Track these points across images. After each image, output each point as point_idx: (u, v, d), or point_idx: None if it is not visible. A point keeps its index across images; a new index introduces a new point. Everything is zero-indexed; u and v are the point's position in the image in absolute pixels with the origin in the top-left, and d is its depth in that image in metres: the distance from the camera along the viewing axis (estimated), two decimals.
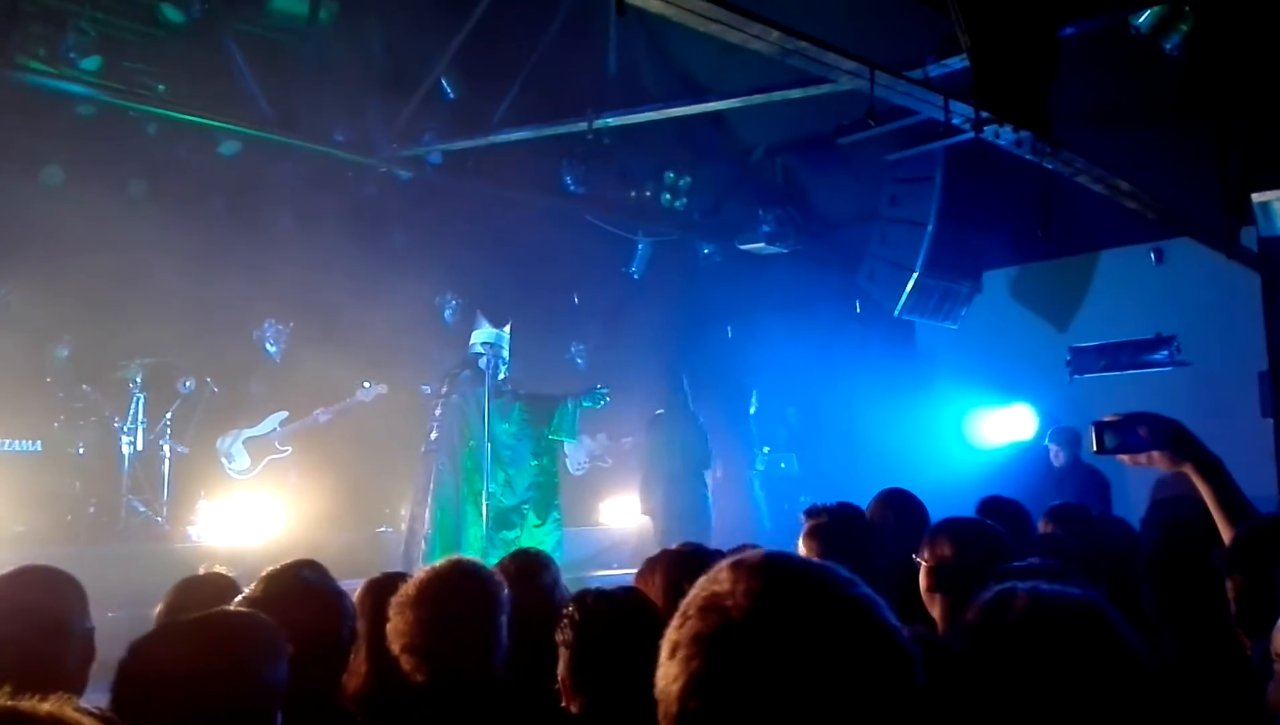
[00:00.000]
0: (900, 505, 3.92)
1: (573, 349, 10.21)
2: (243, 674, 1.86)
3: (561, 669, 2.26)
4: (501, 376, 7.39)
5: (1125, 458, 2.35)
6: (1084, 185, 6.85)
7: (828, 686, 0.89)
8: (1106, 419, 2.40)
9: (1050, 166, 5.86)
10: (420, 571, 2.57)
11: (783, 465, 10.83)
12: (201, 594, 2.91)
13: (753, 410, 10.12)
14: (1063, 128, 5.80)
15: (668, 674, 0.94)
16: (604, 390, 7.51)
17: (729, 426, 9.81)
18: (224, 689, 1.80)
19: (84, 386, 7.28)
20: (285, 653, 1.97)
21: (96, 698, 1.73)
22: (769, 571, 0.96)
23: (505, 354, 7.44)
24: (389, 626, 2.40)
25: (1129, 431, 2.32)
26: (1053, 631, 1.64)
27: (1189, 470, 2.29)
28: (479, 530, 6.96)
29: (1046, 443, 7.84)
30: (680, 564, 3.09)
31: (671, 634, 0.96)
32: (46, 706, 0.88)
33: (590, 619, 2.24)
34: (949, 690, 1.80)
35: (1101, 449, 2.36)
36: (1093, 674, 1.59)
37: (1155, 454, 2.31)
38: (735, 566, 0.97)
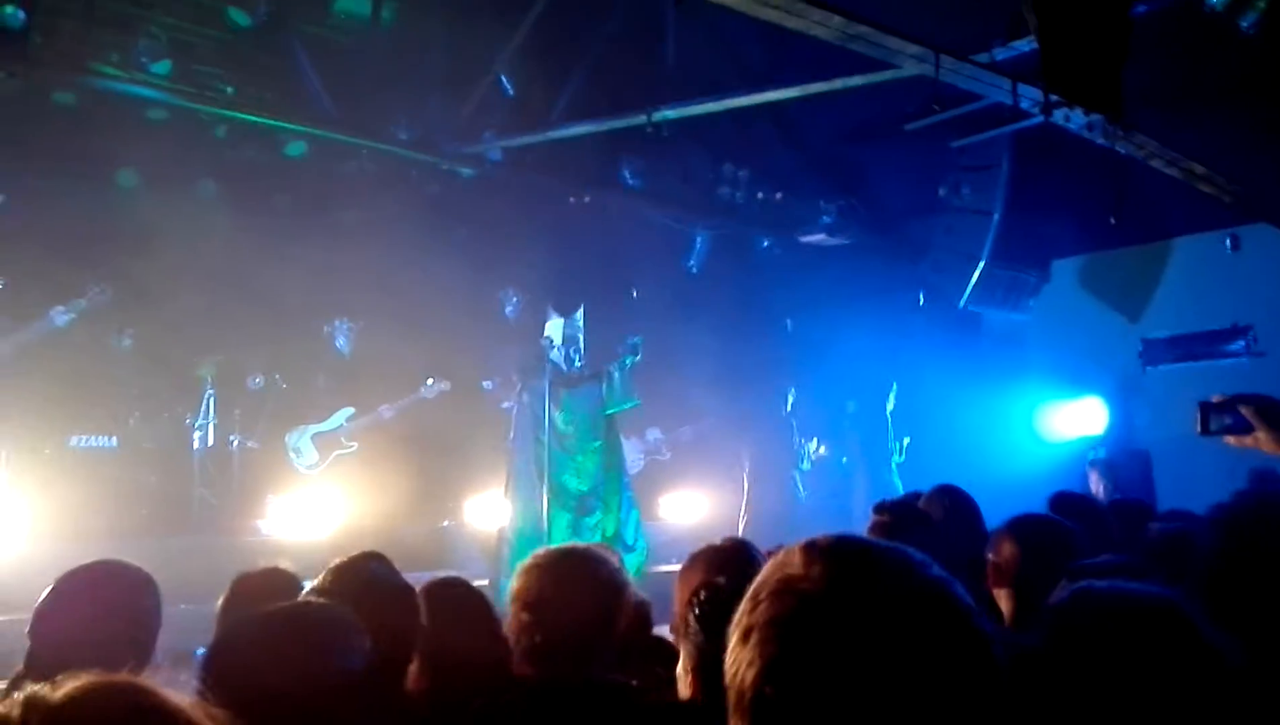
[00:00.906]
0: (950, 500, 3.85)
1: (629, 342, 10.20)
2: (324, 663, 1.88)
3: (686, 663, 2.23)
4: (578, 365, 7.34)
5: (1231, 439, 2.30)
6: (1157, 170, 6.65)
7: (908, 667, 0.87)
8: (1213, 399, 2.36)
9: (1122, 150, 5.69)
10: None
11: (844, 459, 10.71)
12: (260, 588, 2.95)
13: (788, 408, 10.03)
14: (1135, 110, 5.63)
15: (740, 659, 0.93)
16: (637, 340, 7.40)
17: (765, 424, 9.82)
18: (306, 677, 1.82)
19: (157, 383, 7.47)
20: (364, 645, 1.98)
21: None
22: (843, 553, 0.94)
23: (581, 344, 7.40)
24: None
25: (1234, 412, 2.27)
26: (1131, 629, 1.60)
27: None
28: (562, 522, 7.00)
29: (1087, 467, 7.61)
30: (721, 558, 3.09)
31: (743, 618, 0.95)
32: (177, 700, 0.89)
33: (720, 609, 2.21)
34: (1021, 685, 1.77)
35: (1206, 430, 2.33)
36: (1173, 675, 1.53)
37: (1260, 435, 2.25)
38: (808, 549, 0.96)
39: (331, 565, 2.42)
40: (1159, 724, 1.54)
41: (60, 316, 6.65)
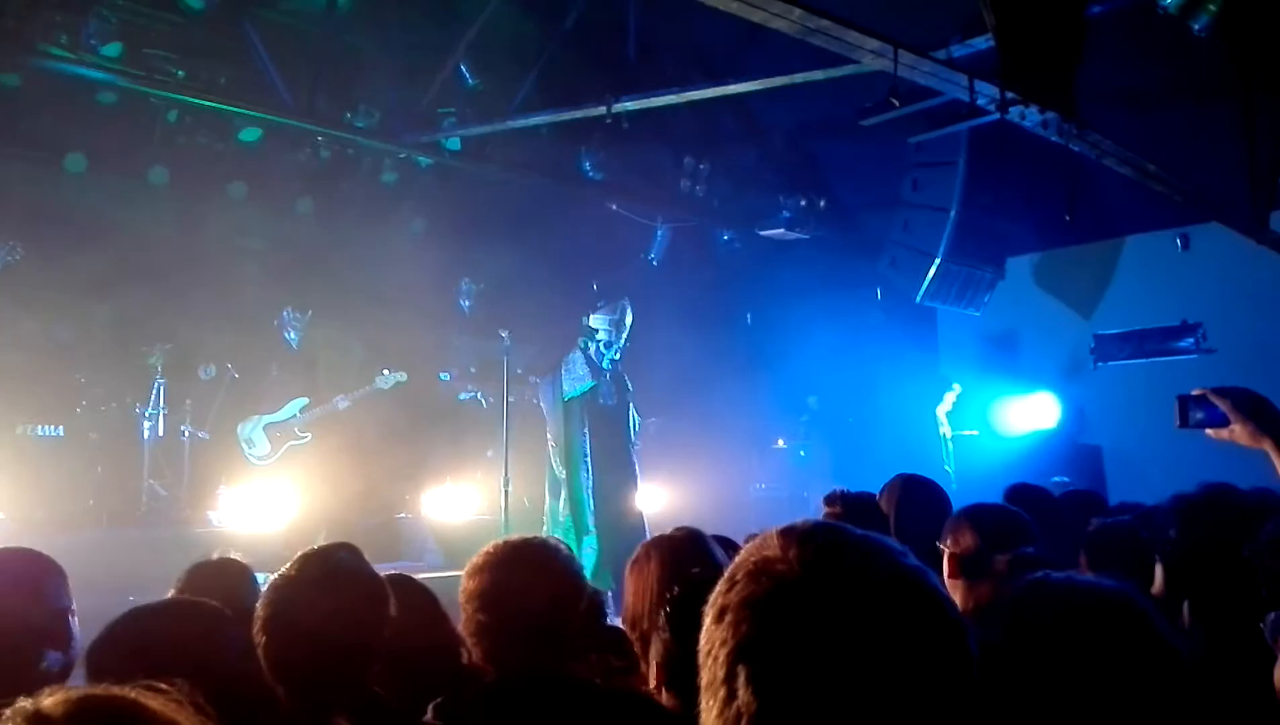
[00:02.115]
0: (917, 492, 3.88)
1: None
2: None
3: (658, 652, 2.22)
4: (609, 361, 7.18)
5: (1209, 432, 2.33)
6: (1110, 169, 6.75)
7: (881, 652, 0.87)
8: (1193, 393, 2.38)
9: (1076, 148, 5.77)
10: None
11: (802, 453, 10.79)
12: (213, 579, 2.92)
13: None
14: (1089, 109, 5.70)
15: (713, 638, 0.92)
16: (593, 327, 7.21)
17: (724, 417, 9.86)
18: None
19: (105, 372, 7.33)
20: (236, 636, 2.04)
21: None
22: (820, 538, 0.95)
23: (614, 338, 7.21)
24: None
25: (1212, 406, 2.30)
26: (1086, 622, 1.63)
27: (1268, 447, 2.25)
28: (585, 519, 6.92)
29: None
30: (676, 549, 3.10)
31: (718, 599, 0.94)
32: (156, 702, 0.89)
33: (692, 604, 2.18)
34: (981, 678, 1.78)
35: (1185, 423, 2.35)
36: (1128, 668, 1.54)
37: (1237, 428, 2.28)
38: (785, 533, 0.96)
39: (299, 553, 2.39)
40: (1113, 716, 1.57)
41: None
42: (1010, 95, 4.97)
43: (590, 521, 6.90)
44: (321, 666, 2.16)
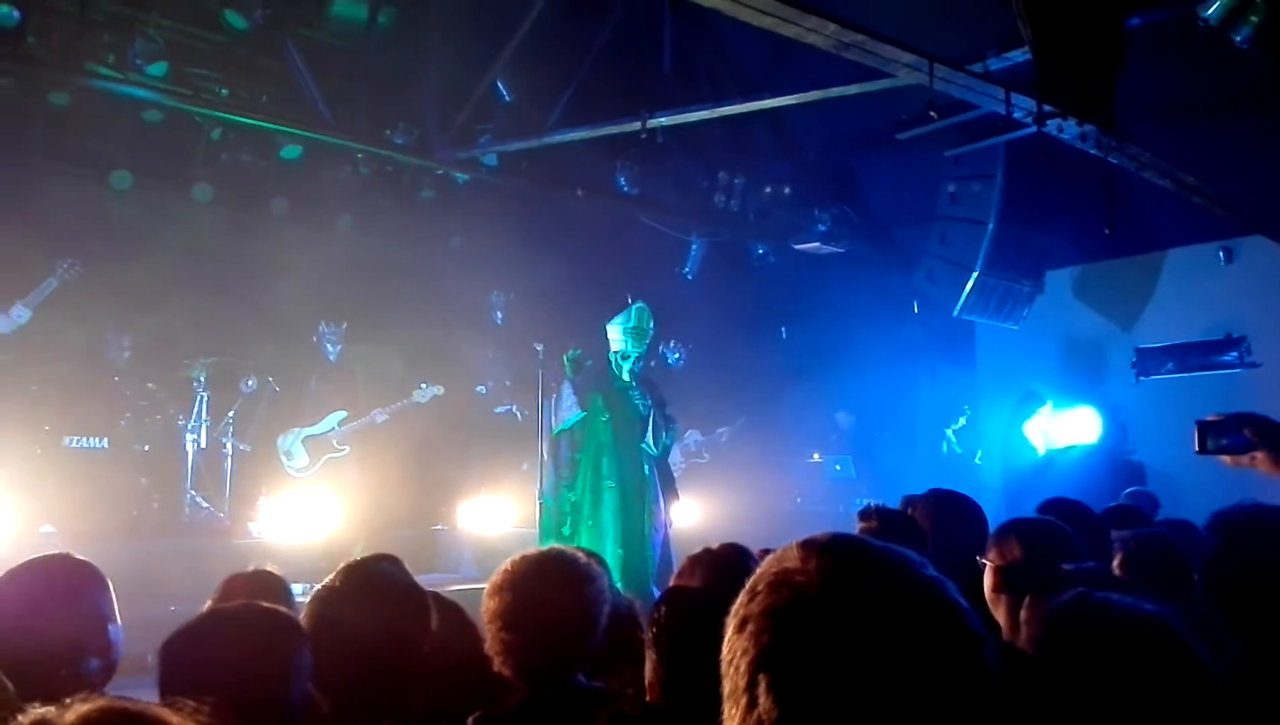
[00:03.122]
0: (937, 507, 3.83)
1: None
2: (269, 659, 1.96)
3: (650, 673, 2.23)
4: (625, 374, 6.89)
5: (1226, 459, 2.28)
6: (1150, 181, 6.68)
7: (899, 661, 0.89)
8: (1210, 418, 2.34)
9: (1115, 161, 5.71)
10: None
11: (838, 467, 10.73)
12: (248, 590, 2.95)
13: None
14: (1128, 122, 5.65)
15: (735, 648, 0.94)
16: (573, 353, 6.99)
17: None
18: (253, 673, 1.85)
19: (149, 385, 7.46)
20: (306, 642, 2.07)
21: (143, 692, 1.77)
22: (839, 550, 0.96)
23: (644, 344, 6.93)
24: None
25: (1233, 431, 2.25)
26: (1126, 645, 1.64)
27: None
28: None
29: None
30: (720, 562, 3.10)
31: (739, 609, 0.96)
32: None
33: (683, 620, 2.20)
34: (1017, 693, 1.77)
35: (1203, 449, 2.30)
36: (1164, 692, 1.57)
37: (1259, 456, 2.24)
38: (805, 545, 0.98)
39: (343, 564, 2.42)
40: None
41: (33, 301, 6.61)
42: (1047, 108, 4.93)
43: (606, 544, 6.66)
44: (365, 676, 2.19)
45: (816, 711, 0.88)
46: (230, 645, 1.98)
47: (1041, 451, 9.30)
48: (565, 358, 6.94)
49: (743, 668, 0.92)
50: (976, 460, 9.62)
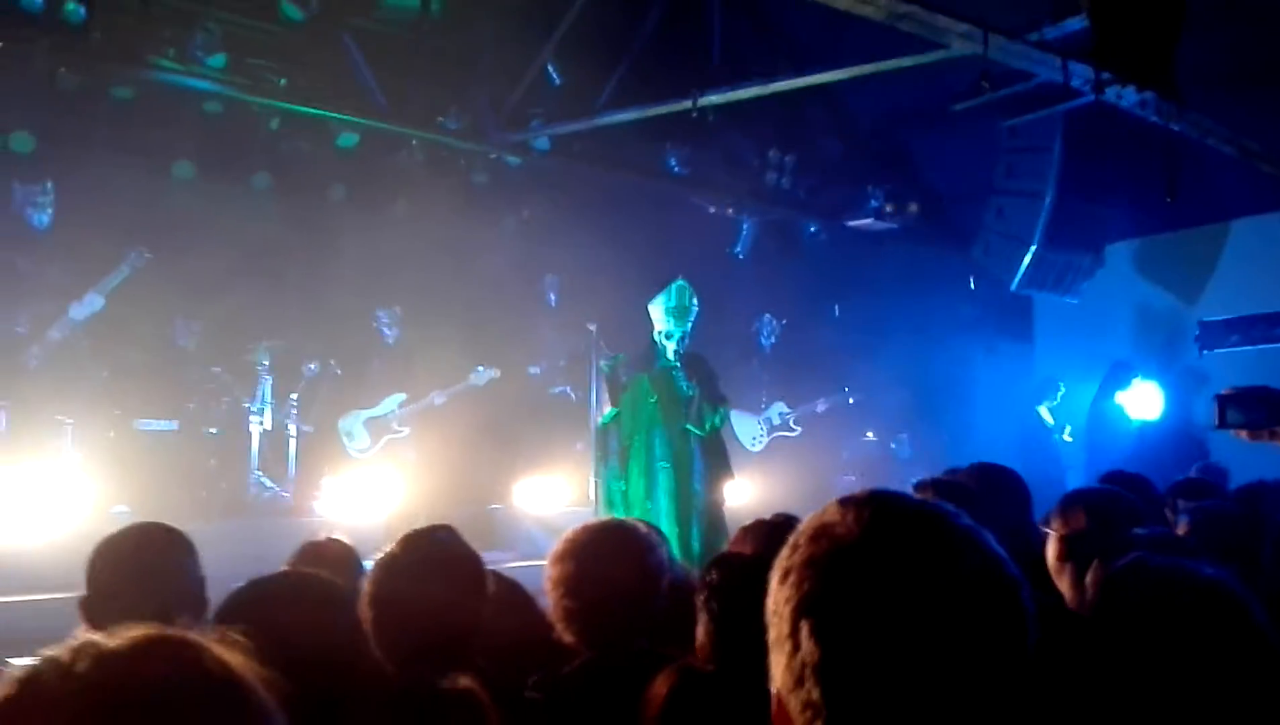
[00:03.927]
0: (983, 478, 3.81)
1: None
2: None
3: (701, 635, 2.28)
4: (670, 354, 6.81)
5: (1245, 434, 2.26)
6: (1213, 149, 6.52)
7: (938, 603, 0.91)
8: (1228, 393, 2.32)
9: (1177, 128, 5.59)
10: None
11: (893, 445, 10.66)
12: (323, 557, 3.06)
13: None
14: (1189, 88, 5.52)
15: (778, 598, 0.98)
16: (616, 357, 6.99)
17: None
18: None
19: (215, 369, 7.65)
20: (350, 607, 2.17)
21: None
22: (877, 502, 0.99)
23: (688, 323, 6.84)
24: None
25: (1253, 406, 2.23)
26: (1184, 609, 1.64)
27: None
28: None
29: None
30: (771, 533, 3.13)
31: (782, 563, 1.00)
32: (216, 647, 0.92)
33: (734, 583, 2.25)
34: (1072, 654, 1.78)
35: (1223, 424, 2.29)
36: (1219, 652, 1.58)
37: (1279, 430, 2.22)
38: (844, 501, 1.01)
39: (403, 534, 2.50)
40: (1204, 699, 1.56)
41: (105, 288, 6.80)
42: (1106, 75, 4.85)
43: (661, 523, 6.68)
44: (426, 640, 2.25)
45: (856, 652, 0.91)
46: (280, 610, 2.03)
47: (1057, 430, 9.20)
48: (603, 364, 6.98)
49: (785, 615, 0.95)
50: (1066, 437, 9.47)
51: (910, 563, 0.93)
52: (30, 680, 0.83)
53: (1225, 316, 9.25)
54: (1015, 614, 0.95)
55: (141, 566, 2.36)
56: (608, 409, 6.91)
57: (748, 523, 3.45)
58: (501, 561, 6.08)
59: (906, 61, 5.70)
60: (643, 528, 2.80)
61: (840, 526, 0.97)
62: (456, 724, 1.76)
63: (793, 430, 9.92)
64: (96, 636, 0.86)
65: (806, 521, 1.02)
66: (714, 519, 6.81)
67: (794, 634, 0.94)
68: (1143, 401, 9.24)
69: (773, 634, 0.98)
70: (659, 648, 2.54)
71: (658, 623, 2.58)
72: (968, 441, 9.48)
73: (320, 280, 8.22)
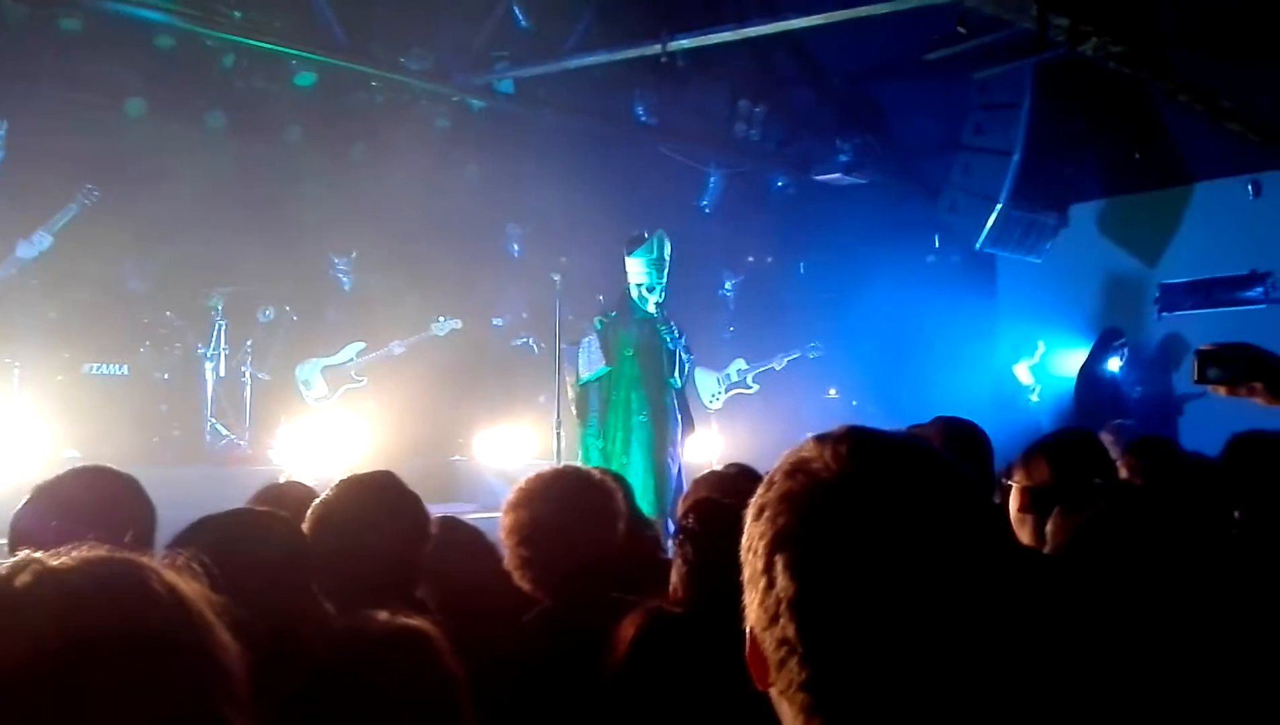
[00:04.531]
0: (945, 430, 3.80)
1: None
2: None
3: (675, 579, 2.27)
4: (648, 307, 6.75)
5: (1222, 390, 2.29)
6: (1179, 114, 6.54)
7: (917, 535, 0.89)
8: (1208, 348, 2.34)
9: (1149, 84, 5.57)
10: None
11: (854, 403, 10.71)
12: (284, 500, 2.99)
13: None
14: (1164, 45, 5.50)
15: (753, 534, 0.95)
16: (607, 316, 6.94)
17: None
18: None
19: (168, 313, 7.47)
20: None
21: None
22: (854, 437, 0.97)
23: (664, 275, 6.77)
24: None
25: (1231, 362, 2.25)
26: (1156, 551, 1.70)
27: None
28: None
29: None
30: (725, 484, 3.12)
31: (756, 500, 0.97)
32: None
33: (711, 528, 2.23)
34: (1044, 597, 1.78)
35: (1203, 378, 2.31)
36: (1195, 595, 1.62)
37: (1257, 386, 2.26)
38: (819, 438, 0.98)
39: (340, 478, 2.46)
40: (1171, 638, 1.59)
41: (54, 226, 6.60)
42: (1083, 27, 4.80)
43: (638, 476, 6.65)
44: (367, 581, 2.23)
45: (833, 586, 0.88)
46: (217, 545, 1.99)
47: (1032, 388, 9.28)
48: (597, 321, 6.89)
49: (760, 550, 0.93)
50: (1033, 398, 9.53)
51: (889, 496, 0.91)
52: None
53: (1186, 279, 9.35)
54: (995, 547, 0.93)
55: (92, 512, 2.25)
56: (599, 367, 6.80)
57: (700, 475, 3.44)
58: (463, 513, 6.03)
59: (883, 8, 5.62)
60: (597, 474, 2.78)
61: (817, 462, 0.95)
62: (404, 660, 1.72)
63: (750, 388, 9.90)
64: (39, 554, 0.81)
65: (781, 458, 1.00)
66: (680, 471, 6.82)
67: (769, 569, 0.92)
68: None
69: (747, 571, 0.95)
70: (617, 595, 2.53)
71: (615, 569, 2.57)
72: (931, 399, 9.54)
73: (276, 224, 8.01)
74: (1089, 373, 9.04)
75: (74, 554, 0.83)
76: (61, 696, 0.73)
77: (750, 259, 10.49)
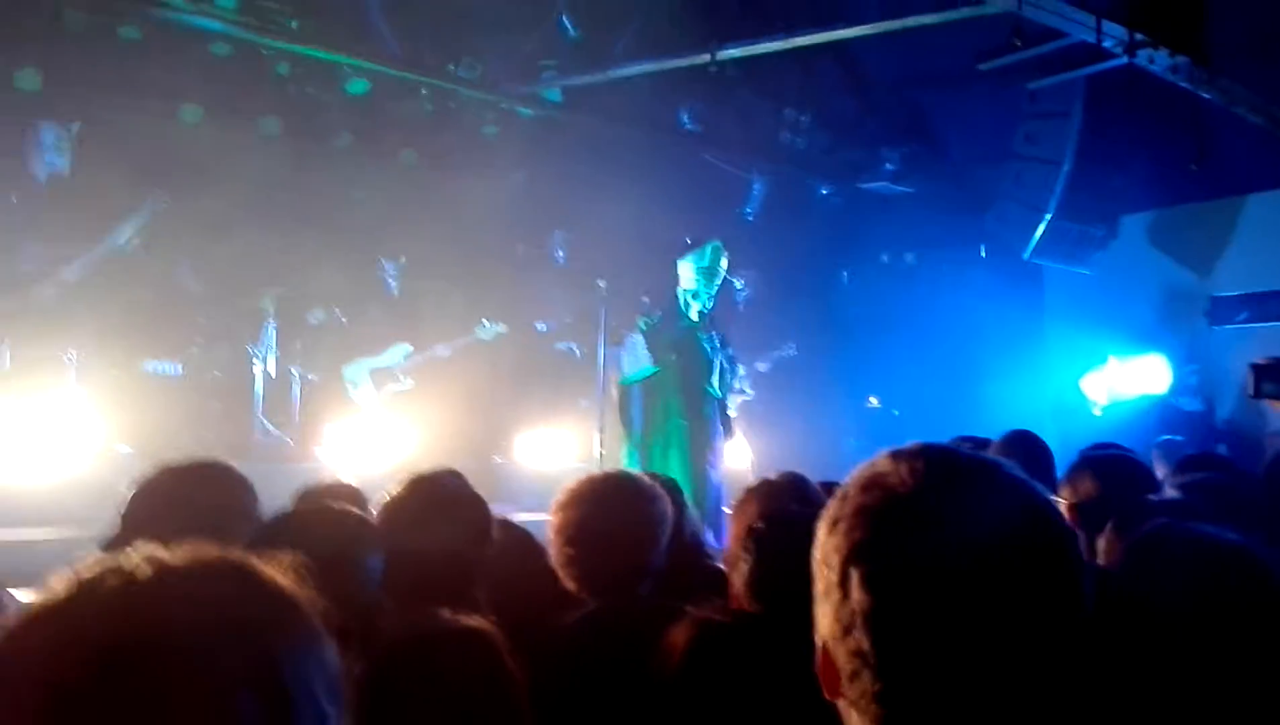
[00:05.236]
0: (1023, 448, 3.80)
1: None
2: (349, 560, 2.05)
3: (739, 584, 2.27)
4: (693, 314, 6.81)
5: (1278, 405, 2.27)
6: (1232, 123, 6.44)
7: (992, 553, 0.90)
8: (1264, 362, 2.32)
9: (1207, 95, 5.50)
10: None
11: (895, 412, 10.64)
12: (329, 498, 3.03)
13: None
14: (1221, 55, 5.43)
15: (828, 547, 0.96)
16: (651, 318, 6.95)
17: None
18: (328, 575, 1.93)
19: (221, 313, 7.61)
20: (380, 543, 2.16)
21: None
22: (930, 453, 0.98)
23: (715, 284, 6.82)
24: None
25: None
26: (1211, 572, 1.68)
27: None
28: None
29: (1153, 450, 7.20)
30: (777, 493, 3.11)
31: (831, 512, 0.98)
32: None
33: (778, 536, 2.24)
34: (1103, 613, 1.78)
35: (1258, 393, 2.29)
36: (1246, 616, 1.61)
37: None
38: (895, 453, 1.00)
39: (410, 477, 2.49)
40: (1226, 661, 1.57)
41: (122, 233, 6.74)
42: (1139, 37, 4.75)
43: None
44: (429, 581, 2.26)
45: (908, 601, 0.90)
46: (306, 545, 2.04)
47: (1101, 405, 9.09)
48: (642, 321, 6.92)
49: (835, 563, 0.94)
50: (1097, 412, 9.38)
51: (965, 513, 0.92)
52: (91, 583, 0.80)
53: (1238, 292, 9.20)
54: (1069, 565, 0.94)
55: (200, 507, 2.29)
56: (645, 366, 6.83)
57: (753, 483, 3.42)
58: (505, 514, 6.08)
59: (931, 19, 5.60)
60: (646, 478, 2.80)
61: (893, 477, 0.96)
62: (468, 660, 1.75)
63: (747, 394, 9.80)
64: (156, 548, 0.84)
65: (854, 473, 1.01)
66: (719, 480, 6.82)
67: (844, 583, 0.93)
68: (1149, 375, 9.20)
69: (820, 584, 0.97)
70: (662, 599, 2.55)
71: (660, 573, 2.59)
72: (974, 410, 9.46)
73: (326, 228, 8.14)
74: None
75: (188, 552, 0.85)
76: (173, 691, 0.75)
77: (793, 266, 10.39)
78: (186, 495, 2.31)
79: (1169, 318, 9.50)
